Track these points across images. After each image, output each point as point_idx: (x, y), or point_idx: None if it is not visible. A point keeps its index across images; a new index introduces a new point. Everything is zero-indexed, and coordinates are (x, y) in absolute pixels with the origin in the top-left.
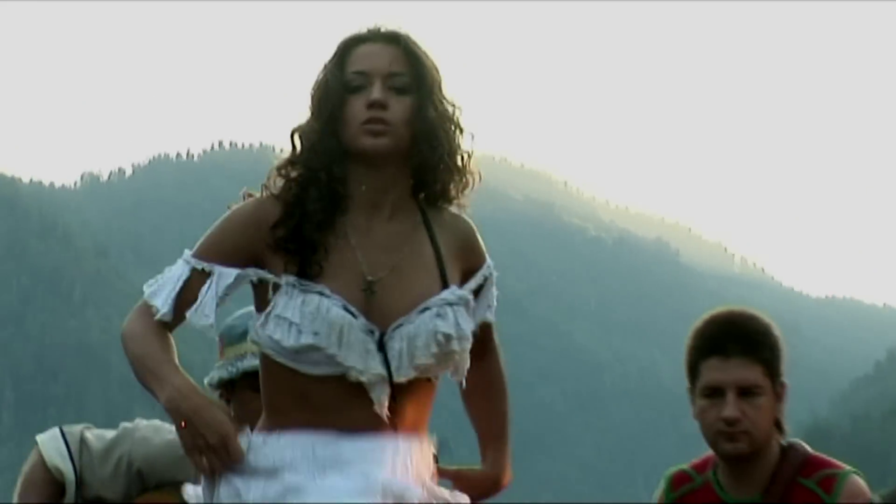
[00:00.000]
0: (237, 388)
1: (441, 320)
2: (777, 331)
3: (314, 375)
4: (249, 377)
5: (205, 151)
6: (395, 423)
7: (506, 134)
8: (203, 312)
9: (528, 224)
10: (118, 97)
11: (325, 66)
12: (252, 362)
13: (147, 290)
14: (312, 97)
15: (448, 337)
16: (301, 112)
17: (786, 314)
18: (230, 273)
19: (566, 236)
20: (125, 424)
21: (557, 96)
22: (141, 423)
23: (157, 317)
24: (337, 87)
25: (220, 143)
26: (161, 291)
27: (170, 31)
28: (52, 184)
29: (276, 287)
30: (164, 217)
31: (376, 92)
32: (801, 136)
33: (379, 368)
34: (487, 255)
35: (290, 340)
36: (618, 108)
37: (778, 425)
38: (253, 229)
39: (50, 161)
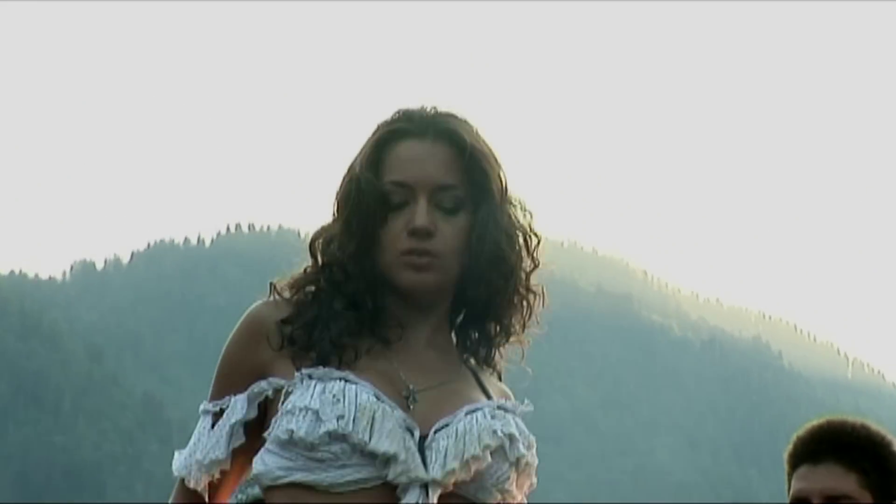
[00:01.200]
0: None
1: (497, 421)
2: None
3: (338, 487)
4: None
5: (217, 235)
6: None
7: (576, 215)
8: (208, 450)
9: (601, 321)
10: (115, 173)
11: (357, 163)
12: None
13: (175, 462)
14: (340, 203)
15: (511, 437)
16: (323, 203)
17: None
18: (242, 397)
19: (646, 336)
20: None
21: (636, 174)
22: None
23: (191, 486)
24: (372, 202)
25: (236, 226)
26: (186, 456)
27: (176, 98)
28: (36, 275)
29: (288, 391)
30: (168, 313)
31: (420, 216)
32: None
33: (422, 469)
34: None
35: (304, 430)
36: (706, 187)
37: None
38: (256, 341)
39: (34, 249)
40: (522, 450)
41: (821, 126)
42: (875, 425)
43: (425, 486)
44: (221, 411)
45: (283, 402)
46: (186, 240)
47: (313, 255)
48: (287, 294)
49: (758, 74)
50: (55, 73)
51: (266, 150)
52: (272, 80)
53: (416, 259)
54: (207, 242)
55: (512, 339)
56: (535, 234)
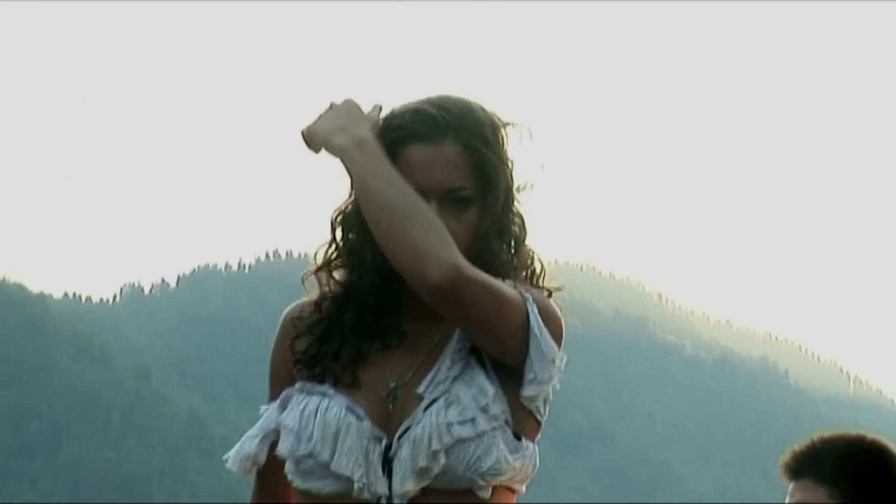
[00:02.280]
0: None
1: (454, 408)
2: (887, 458)
3: (319, 494)
4: None
5: (257, 261)
6: None
7: (593, 240)
8: (245, 449)
9: (617, 341)
10: (162, 201)
11: None
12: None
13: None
14: (352, 199)
15: (467, 423)
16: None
17: None
18: (274, 405)
19: (660, 355)
20: None
21: (651, 199)
22: None
23: (241, 475)
24: None
25: (275, 253)
26: (236, 450)
27: (220, 129)
28: (88, 298)
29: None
30: (212, 334)
31: None
32: None
33: (382, 484)
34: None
35: (285, 449)
36: (717, 216)
37: None
38: (280, 352)
39: (85, 273)
40: (482, 424)
41: (827, 151)
42: (871, 437)
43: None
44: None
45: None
46: (228, 265)
47: (332, 233)
48: (314, 297)
49: (771, 96)
50: (113, 103)
51: (307, 178)
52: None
53: None
54: (248, 268)
55: None
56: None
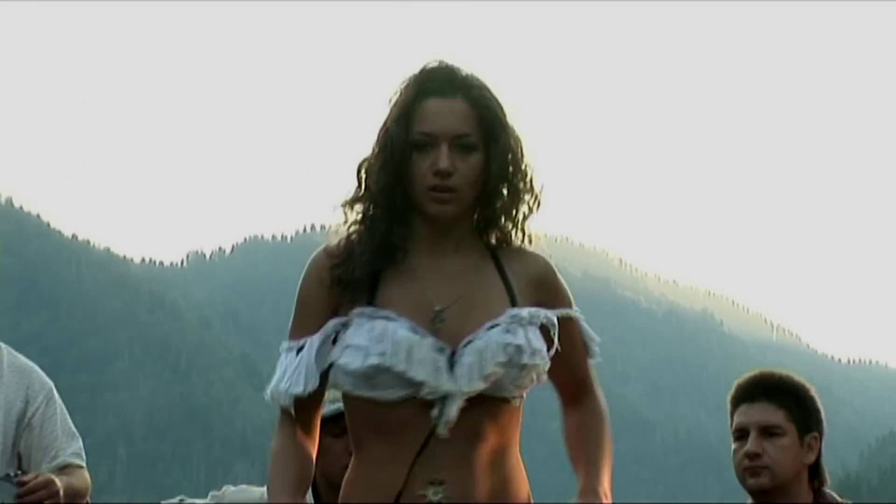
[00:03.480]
0: (320, 437)
1: (510, 335)
2: (812, 392)
3: (390, 401)
4: (326, 424)
5: (297, 233)
6: (475, 443)
7: (567, 216)
8: (294, 382)
9: (586, 298)
10: (219, 182)
11: (390, 115)
12: (328, 408)
13: (267, 392)
14: (380, 143)
15: (519, 349)
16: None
17: (818, 378)
18: (316, 338)
19: (620, 308)
20: (214, 493)
21: (615, 182)
22: (229, 489)
23: (284, 407)
24: (402, 146)
25: (312, 226)
26: (277, 389)
27: (262, 122)
28: (160, 262)
29: (345, 325)
30: (260, 293)
31: (443, 160)
32: (836, 219)
33: (449, 383)
34: (573, 302)
35: (356, 363)
36: (670, 193)
37: (818, 476)
38: (317, 285)
39: (159, 242)
40: (526, 358)
41: (765, 131)
42: (796, 375)
43: (453, 396)
44: (301, 348)
45: (342, 336)
46: (273, 236)
47: (358, 179)
48: (336, 240)
49: (717, 63)
50: (180, 95)
51: (336, 164)
52: (328, 109)
53: (439, 194)
54: (290, 238)
55: (519, 227)
56: (530, 169)
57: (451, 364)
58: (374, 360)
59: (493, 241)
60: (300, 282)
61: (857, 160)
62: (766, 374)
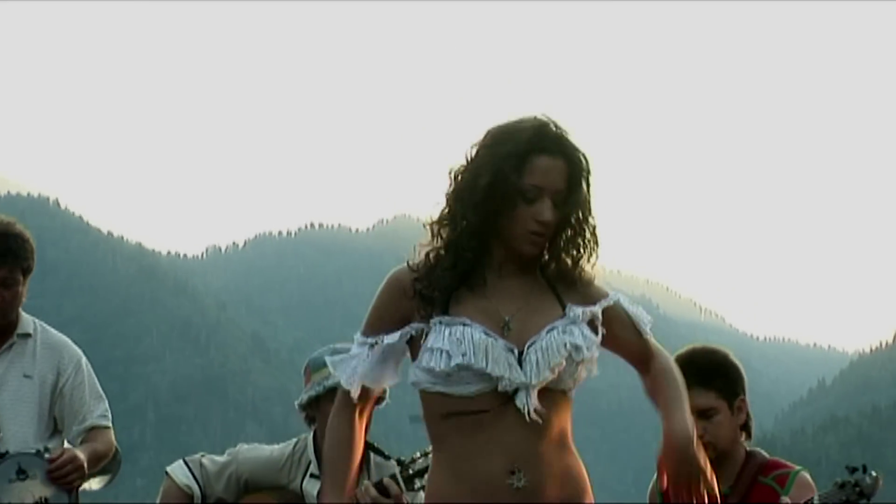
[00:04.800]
0: (322, 402)
1: (567, 335)
2: (731, 359)
3: (462, 396)
4: (332, 392)
5: (299, 230)
6: (542, 433)
7: None
8: (364, 376)
9: None
10: (233, 186)
11: (500, 158)
12: (334, 380)
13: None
14: (482, 182)
15: (577, 347)
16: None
17: (739, 353)
18: (393, 336)
19: None
20: (230, 450)
21: None
22: (243, 446)
23: (350, 392)
24: (513, 193)
25: (312, 224)
26: (344, 371)
27: (272, 133)
28: (184, 255)
29: (425, 332)
30: (268, 281)
31: (548, 212)
32: (754, 217)
33: (522, 376)
34: (611, 292)
35: (441, 365)
36: (615, 192)
37: (747, 430)
38: (399, 295)
39: (182, 237)
40: (585, 353)
41: (688, 106)
42: (717, 350)
43: (526, 388)
44: (375, 345)
45: (423, 342)
46: (279, 232)
47: (449, 205)
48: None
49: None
50: (211, 95)
51: (336, 166)
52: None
53: (538, 239)
54: (294, 234)
55: (579, 269)
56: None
57: (520, 363)
58: (458, 360)
59: (551, 274)
60: (381, 287)
61: (770, 157)
62: (693, 358)
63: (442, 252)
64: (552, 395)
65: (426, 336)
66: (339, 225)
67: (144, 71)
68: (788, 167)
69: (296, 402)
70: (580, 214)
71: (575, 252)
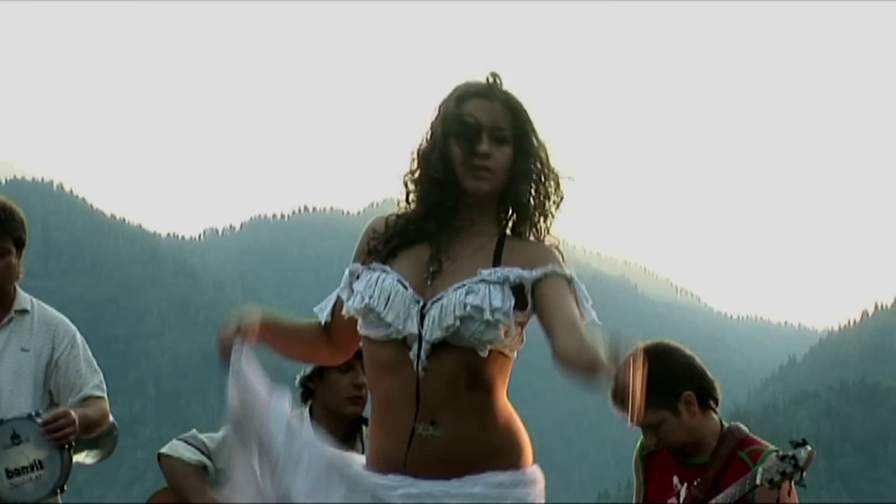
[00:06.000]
0: (326, 373)
1: (471, 295)
2: (669, 359)
3: (376, 339)
4: None
5: (294, 213)
6: (455, 387)
7: None
8: (323, 308)
9: None
10: (230, 171)
11: (443, 110)
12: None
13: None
14: (435, 134)
15: (477, 308)
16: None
17: (714, 330)
18: (344, 276)
19: None
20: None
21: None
22: None
23: (322, 321)
24: (455, 129)
25: (306, 207)
26: (322, 305)
27: (267, 119)
28: (182, 236)
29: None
30: (263, 261)
31: (485, 145)
32: (730, 201)
33: (415, 328)
34: (556, 264)
35: (353, 304)
36: (596, 176)
37: (710, 403)
38: (363, 241)
39: (181, 219)
40: (487, 315)
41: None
42: (669, 344)
43: (417, 341)
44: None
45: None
46: (274, 215)
47: (417, 161)
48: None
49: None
50: (216, 87)
51: (331, 151)
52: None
53: (479, 172)
54: (288, 217)
55: (536, 236)
56: (554, 174)
57: (422, 316)
58: (362, 303)
59: (508, 231)
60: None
61: (742, 143)
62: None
63: (409, 208)
64: (461, 352)
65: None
66: (332, 208)
67: (144, 62)
68: (760, 152)
69: (297, 376)
70: (537, 164)
71: (534, 203)
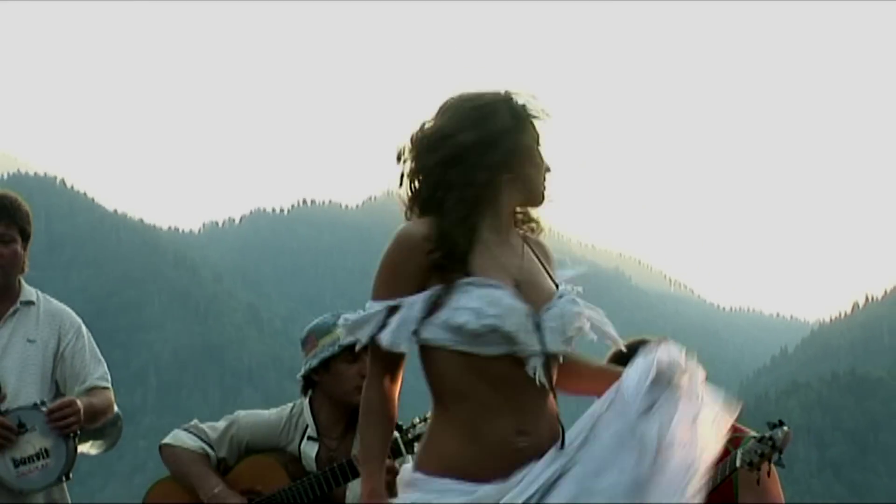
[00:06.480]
0: (334, 363)
1: (577, 305)
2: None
3: (488, 356)
4: (345, 351)
5: (293, 206)
6: (545, 396)
7: None
8: (399, 336)
9: None
10: (230, 165)
11: (498, 129)
12: (350, 340)
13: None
14: (500, 145)
15: (582, 317)
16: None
17: (706, 322)
18: (417, 298)
19: None
20: (228, 416)
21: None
22: (240, 413)
23: (359, 346)
24: (520, 152)
25: (305, 200)
26: (364, 332)
27: (267, 114)
28: (183, 230)
29: (448, 290)
30: (263, 254)
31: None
32: (724, 194)
33: (538, 344)
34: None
35: (473, 324)
36: (593, 170)
37: None
38: (413, 249)
39: (182, 213)
40: (586, 323)
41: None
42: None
43: (540, 355)
44: (393, 308)
45: (444, 299)
46: (273, 209)
47: (447, 173)
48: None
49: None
50: (222, 85)
51: (325, 147)
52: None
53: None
54: (287, 210)
55: (538, 231)
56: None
57: (537, 327)
58: (489, 321)
59: (521, 228)
60: (391, 247)
61: (734, 136)
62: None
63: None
64: (553, 361)
65: (448, 294)
66: (331, 201)
67: (145, 58)
68: (754, 146)
69: (302, 368)
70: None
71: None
